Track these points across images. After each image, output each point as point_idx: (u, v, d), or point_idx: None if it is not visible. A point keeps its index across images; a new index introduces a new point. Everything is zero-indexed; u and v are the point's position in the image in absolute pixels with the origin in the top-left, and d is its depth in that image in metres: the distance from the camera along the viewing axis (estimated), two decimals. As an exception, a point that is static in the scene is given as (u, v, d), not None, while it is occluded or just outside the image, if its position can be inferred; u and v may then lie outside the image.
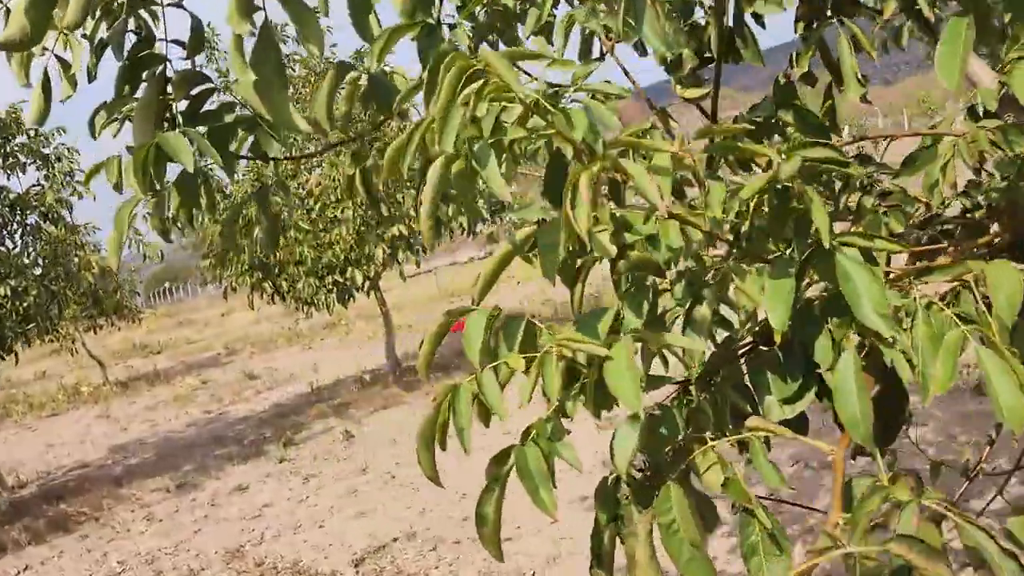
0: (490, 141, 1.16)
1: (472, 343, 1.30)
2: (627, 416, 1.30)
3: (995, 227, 1.99)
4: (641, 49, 2.32)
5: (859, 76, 2.00)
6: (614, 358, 1.17)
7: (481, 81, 1.18)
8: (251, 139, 1.77)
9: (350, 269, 9.48)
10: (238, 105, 1.70)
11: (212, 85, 1.66)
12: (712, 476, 1.32)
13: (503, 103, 1.25)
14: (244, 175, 9.34)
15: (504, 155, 1.20)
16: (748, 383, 1.52)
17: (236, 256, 9.24)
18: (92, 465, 9.77)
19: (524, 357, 1.28)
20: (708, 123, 1.92)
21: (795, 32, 2.31)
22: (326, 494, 6.95)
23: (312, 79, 9.69)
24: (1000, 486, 2.08)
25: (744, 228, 1.39)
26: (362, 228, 9.42)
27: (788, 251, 1.36)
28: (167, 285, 41.89)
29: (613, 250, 1.33)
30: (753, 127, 1.71)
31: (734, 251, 1.42)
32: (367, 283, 9.81)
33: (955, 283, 1.39)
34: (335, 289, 9.58)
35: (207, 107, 1.71)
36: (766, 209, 1.32)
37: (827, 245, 1.26)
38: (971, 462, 1.89)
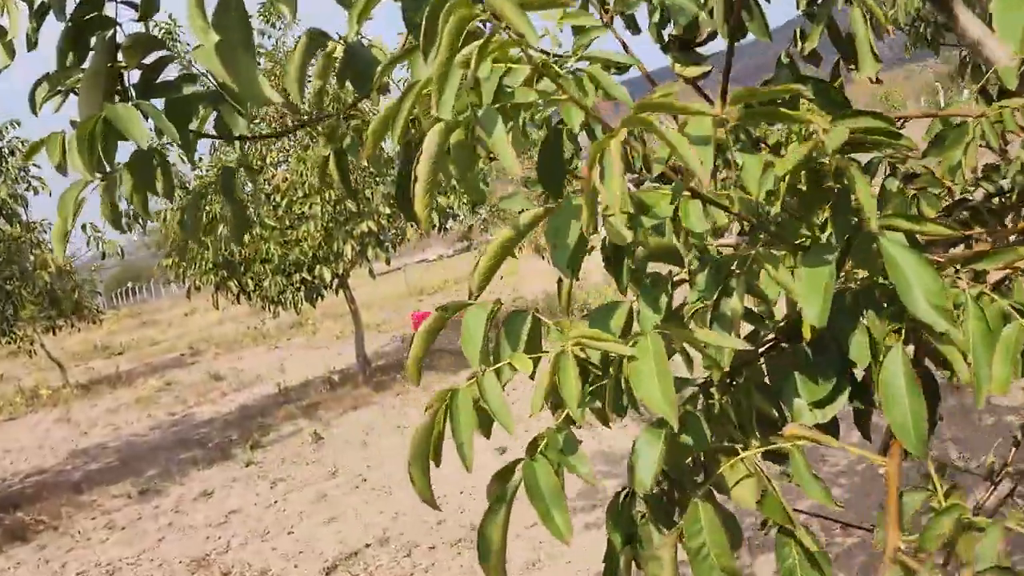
0: (495, 106, 1.00)
1: (471, 342, 1.13)
2: (649, 424, 1.14)
3: None
4: (634, 26, 2.17)
5: (875, 50, 1.86)
6: (639, 358, 1.01)
7: (482, 40, 1.02)
8: (215, 116, 1.59)
9: (318, 267, 9.24)
10: (200, 76, 1.51)
11: (169, 53, 1.47)
12: (743, 491, 1.17)
13: (507, 64, 1.08)
14: (208, 170, 9.07)
15: (511, 124, 1.04)
16: (771, 384, 1.38)
17: (200, 254, 8.95)
18: (51, 471, 9.42)
19: (531, 358, 1.11)
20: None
21: (798, 7, 2.17)
22: (295, 499, 6.73)
23: (278, 72, 9.42)
24: (992, 486, 1.95)
25: (774, 210, 1.24)
26: (330, 224, 9.18)
27: (826, 236, 1.21)
28: (129, 285, 41.07)
29: (629, 235, 1.17)
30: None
31: (761, 236, 1.27)
32: (336, 281, 9.57)
33: (1007, 271, 1.25)
34: (303, 287, 9.33)
35: (164, 78, 1.52)
36: (803, 187, 1.16)
37: (874, 227, 1.11)
38: (996, 465, 1.77)
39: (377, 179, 9.22)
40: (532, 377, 1.13)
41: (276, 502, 6.73)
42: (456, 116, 1.02)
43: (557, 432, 1.10)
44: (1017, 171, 1.89)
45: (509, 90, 1.08)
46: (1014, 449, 1.74)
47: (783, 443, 1.14)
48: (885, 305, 1.28)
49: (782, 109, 1.00)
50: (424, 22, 0.93)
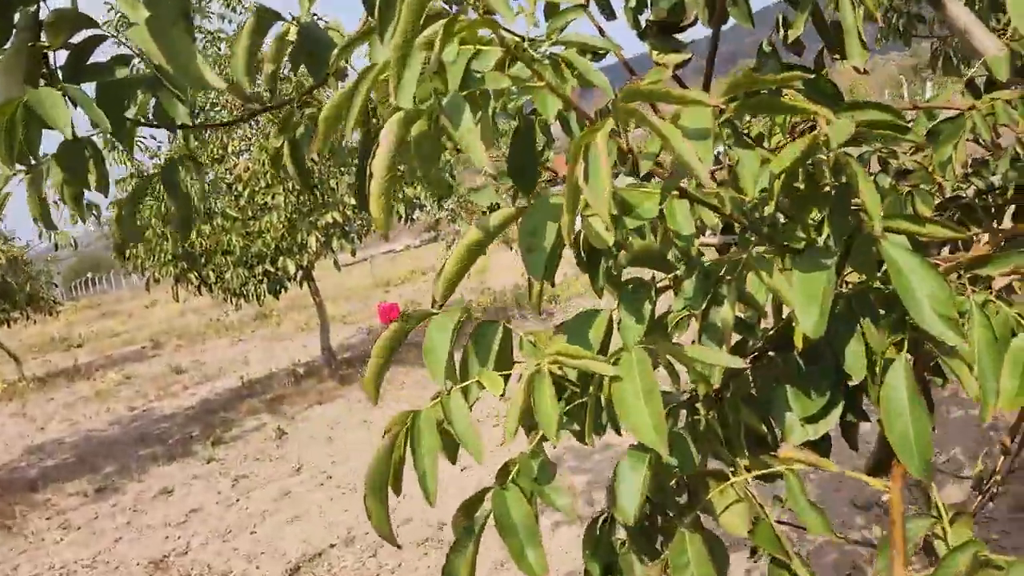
0: (463, 94, 0.88)
1: (435, 357, 1.02)
2: (631, 446, 1.03)
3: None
4: (609, 10, 2.05)
5: (863, 39, 1.77)
6: (623, 377, 0.90)
7: (448, 18, 0.90)
8: (154, 102, 1.45)
9: (282, 258, 9.03)
10: (135, 58, 1.37)
11: (100, 31, 1.33)
12: (733, 518, 1.07)
13: (476, 46, 0.96)
14: (167, 159, 8.80)
15: (479, 113, 0.92)
16: (759, 397, 1.28)
17: (159, 245, 8.70)
18: (4, 468, 9.12)
19: (503, 375, 1.00)
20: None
21: (780, -6, 2.07)
22: (257, 497, 6.56)
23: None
24: (981, 496, 1.89)
25: (768, 210, 1.13)
26: (294, 215, 8.96)
27: (823, 238, 1.11)
28: (89, 275, 40.21)
29: (611, 238, 1.06)
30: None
31: (752, 238, 1.17)
32: (300, 273, 9.37)
33: (1012, 276, 1.16)
34: (266, 279, 9.11)
35: (96, 60, 1.38)
36: (800, 185, 1.06)
37: (877, 229, 1.01)
38: (985, 472, 1.70)
39: (342, 169, 9.03)
40: (503, 395, 1.02)
41: (238, 500, 6.56)
42: (418, 105, 0.91)
43: (531, 458, 0.99)
44: (1008, 166, 1.81)
45: (478, 75, 0.97)
46: (1002, 458, 1.67)
47: (777, 466, 1.04)
48: (882, 312, 1.19)
49: (785, 100, 0.89)
50: (379, 3, 0.81)
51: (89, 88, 1.36)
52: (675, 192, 1.03)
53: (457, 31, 0.91)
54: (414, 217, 10.27)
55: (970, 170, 1.79)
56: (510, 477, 1.00)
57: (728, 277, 1.11)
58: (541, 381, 0.90)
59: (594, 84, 1.19)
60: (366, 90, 0.93)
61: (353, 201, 9.19)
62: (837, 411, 1.21)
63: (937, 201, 1.64)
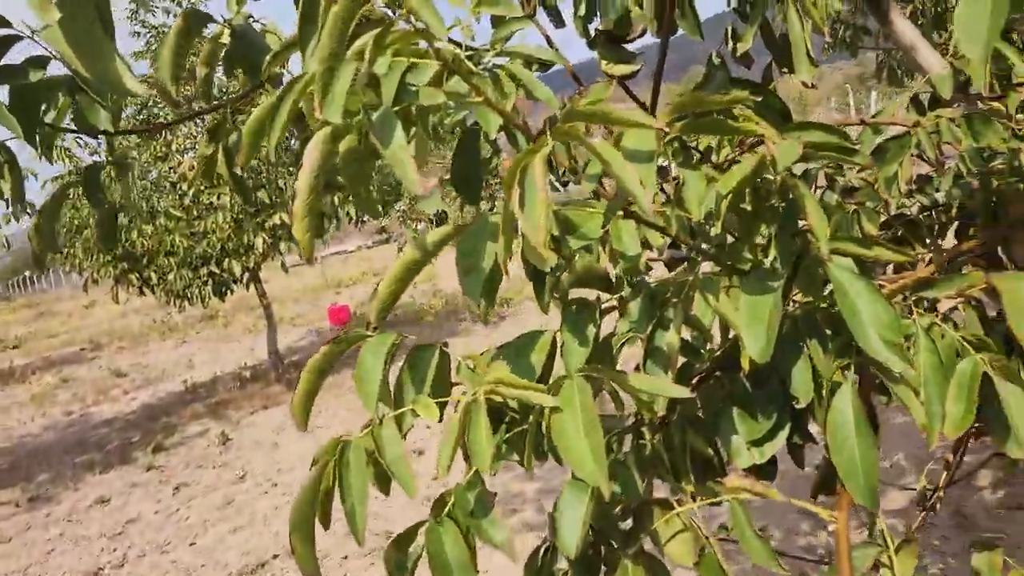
0: (395, 109, 0.83)
1: (367, 383, 0.96)
2: (572, 477, 0.99)
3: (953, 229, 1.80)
4: (557, 18, 2.02)
5: (811, 52, 1.76)
6: (563, 409, 0.86)
7: (380, 28, 0.85)
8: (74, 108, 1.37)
9: (227, 260, 8.83)
10: (52, 60, 1.29)
11: (14, 31, 1.24)
12: (679, 547, 1.04)
13: (411, 59, 0.92)
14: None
15: (413, 129, 0.87)
16: (705, 420, 1.25)
17: (98, 245, 8.44)
18: (-69, 477, 8.76)
19: (438, 403, 0.95)
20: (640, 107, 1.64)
21: (728, 5, 2.06)
22: (199, 505, 6.39)
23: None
24: (924, 511, 1.90)
25: (714, 231, 1.11)
26: (241, 216, 8.78)
27: (769, 260, 1.09)
28: (27, 274, 38.99)
29: (553, 260, 1.02)
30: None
31: (698, 259, 1.14)
32: (246, 275, 9.18)
33: (958, 299, 1.16)
34: (211, 281, 8.91)
35: (9, 62, 1.30)
36: (747, 206, 1.03)
37: (824, 251, 0.98)
38: (927, 488, 1.70)
39: (291, 169, 8.87)
40: (440, 420, 0.97)
41: (178, 509, 6.38)
42: (347, 120, 0.85)
43: (467, 490, 0.94)
44: (951, 184, 1.82)
45: (413, 89, 0.92)
46: (945, 473, 1.67)
47: (723, 495, 1.01)
48: (828, 332, 1.17)
49: (730, 121, 0.86)
50: (301, 3, 0.75)
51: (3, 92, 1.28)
52: (619, 212, 0.99)
53: (390, 43, 0.86)
54: (364, 219, 10.14)
55: (914, 187, 1.80)
56: (445, 510, 0.95)
57: (675, 300, 1.07)
58: (477, 412, 0.85)
59: (538, 98, 1.15)
60: (292, 102, 0.87)
61: (301, 202, 9.04)
62: (783, 433, 1.19)
63: (883, 219, 1.64)
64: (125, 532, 6.13)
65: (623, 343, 1.17)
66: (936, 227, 1.69)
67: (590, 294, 1.18)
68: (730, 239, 1.12)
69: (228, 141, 1.49)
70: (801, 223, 1.09)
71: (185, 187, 8.83)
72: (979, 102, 1.84)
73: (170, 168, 9.02)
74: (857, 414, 1.02)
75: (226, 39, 1.52)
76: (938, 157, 1.71)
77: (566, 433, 0.84)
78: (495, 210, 1.01)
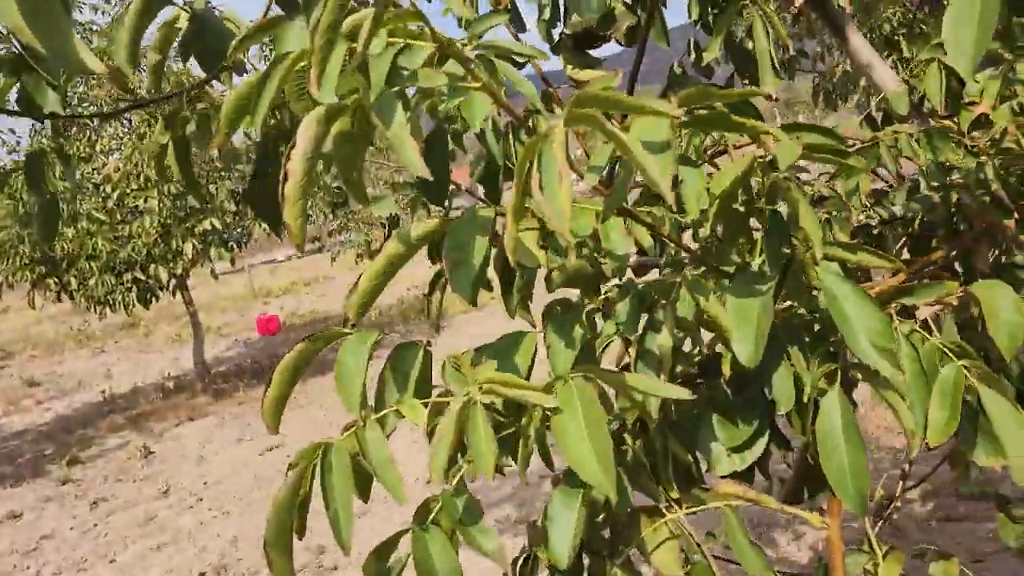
0: (393, 90, 0.78)
1: (349, 383, 0.91)
2: (563, 484, 0.95)
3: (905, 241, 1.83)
4: (519, 22, 1.99)
5: (776, 65, 1.78)
6: (563, 410, 0.82)
7: (376, 7, 0.80)
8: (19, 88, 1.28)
9: (153, 266, 8.52)
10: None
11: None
12: (666, 555, 1.01)
13: (405, 40, 0.87)
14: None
15: (408, 113, 0.82)
16: (685, 426, 1.23)
17: (14, 247, 8.04)
18: None
19: (425, 403, 0.90)
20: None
21: (689, 16, 2.07)
22: (119, 521, 6.10)
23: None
24: (882, 520, 1.91)
25: (703, 232, 1.09)
26: (168, 221, 8.49)
27: (757, 263, 1.07)
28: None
29: (543, 258, 0.99)
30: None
31: (685, 260, 1.12)
32: (173, 281, 8.87)
33: (937, 307, 1.16)
34: (135, 287, 8.58)
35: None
36: (742, 208, 1.02)
37: (819, 255, 0.97)
38: (884, 497, 1.71)
39: (223, 172, 8.63)
40: (428, 427, 0.92)
41: (96, 525, 6.08)
42: (339, 101, 0.80)
43: (455, 496, 0.89)
44: (904, 198, 1.86)
45: (406, 72, 0.87)
46: (901, 483, 1.69)
47: (714, 502, 0.99)
48: (807, 340, 1.16)
49: (736, 118, 0.84)
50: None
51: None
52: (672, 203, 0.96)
53: (385, 23, 0.82)
54: (283, 232, 9.90)
55: (871, 200, 1.83)
56: (430, 518, 0.90)
57: (663, 301, 1.05)
58: (475, 413, 0.80)
59: (521, 92, 1.12)
60: (279, 79, 0.82)
61: (234, 207, 8.81)
62: (763, 440, 1.18)
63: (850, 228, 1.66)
64: (39, 548, 5.81)
65: (606, 345, 1.14)
66: (893, 239, 1.72)
67: (569, 293, 1.14)
68: (717, 241, 1.10)
69: (184, 131, 1.41)
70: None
71: (109, 190, 8.50)
72: (930, 120, 1.88)
73: (93, 169, 8.67)
74: (846, 421, 1.01)
75: (183, 24, 1.44)
76: (899, 171, 1.74)
77: (568, 435, 0.80)
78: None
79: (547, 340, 1.04)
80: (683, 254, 1.10)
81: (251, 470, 6.76)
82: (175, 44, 1.47)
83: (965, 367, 1.04)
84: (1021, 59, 1.70)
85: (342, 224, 11.62)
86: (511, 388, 0.82)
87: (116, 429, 8.84)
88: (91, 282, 8.22)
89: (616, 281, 1.13)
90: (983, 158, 1.48)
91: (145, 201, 8.29)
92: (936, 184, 1.68)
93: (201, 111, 1.42)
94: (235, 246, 9.18)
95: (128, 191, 8.40)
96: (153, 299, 8.90)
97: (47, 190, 1.41)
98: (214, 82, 1.56)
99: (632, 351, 1.01)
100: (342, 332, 0.97)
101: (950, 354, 1.07)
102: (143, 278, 8.59)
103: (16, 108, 1.29)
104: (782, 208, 1.08)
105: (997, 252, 1.55)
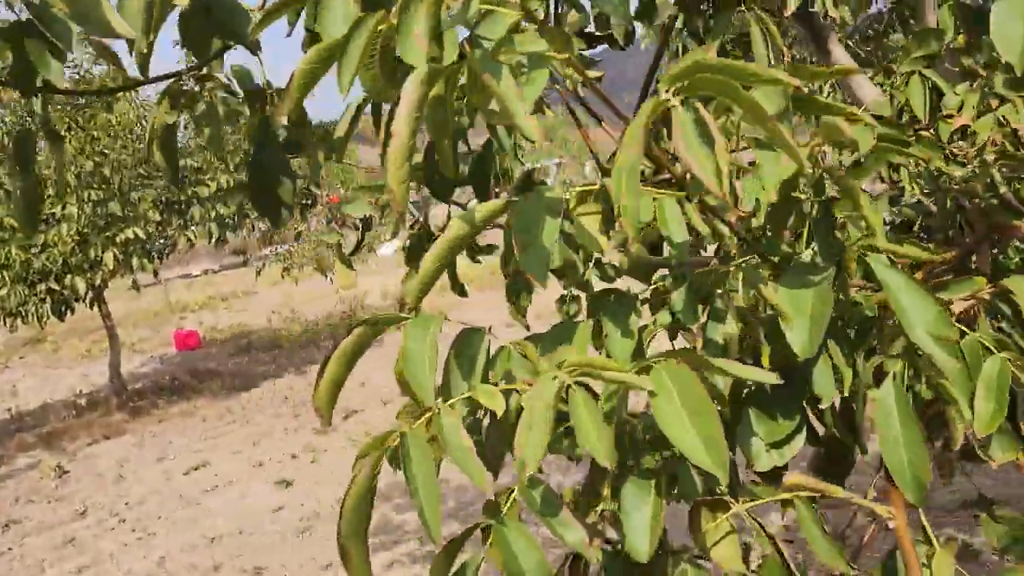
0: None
1: (419, 369, 0.86)
2: (637, 476, 0.92)
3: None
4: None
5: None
6: (659, 394, 0.79)
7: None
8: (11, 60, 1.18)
9: (70, 276, 8.12)
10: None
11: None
12: (727, 550, 0.98)
13: (485, 6, 0.83)
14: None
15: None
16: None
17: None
18: None
19: (503, 390, 0.86)
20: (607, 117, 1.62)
21: (679, 21, 2.09)
22: (34, 544, 5.74)
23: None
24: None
25: (755, 222, 1.08)
26: (87, 229, 8.11)
27: (809, 254, 1.07)
28: None
29: (607, 244, 0.96)
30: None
31: (734, 251, 1.11)
32: (91, 293, 8.47)
33: (971, 302, 1.18)
34: (49, 299, 8.14)
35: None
36: (800, 195, 1.01)
37: (882, 245, 0.98)
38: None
39: (147, 180, 8.32)
40: (496, 415, 0.87)
41: (10, 549, 5.70)
42: (434, 63, 0.76)
43: (531, 487, 0.85)
44: (887, 205, 1.91)
45: (485, 43, 0.83)
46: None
47: (783, 494, 0.97)
48: (850, 335, 1.17)
49: (835, 103, 0.83)
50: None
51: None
52: (682, 194, 0.94)
53: (473, -14, 0.78)
54: (224, 239, 9.62)
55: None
56: (504, 511, 0.85)
57: (719, 291, 1.03)
58: (577, 399, 0.76)
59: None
60: (365, 40, 0.77)
61: (158, 217, 8.49)
62: (802, 436, 1.17)
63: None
64: (-57, 577, 5.41)
65: (653, 336, 1.11)
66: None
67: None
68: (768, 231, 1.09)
69: (192, 110, 1.33)
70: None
71: (23, 195, 8.07)
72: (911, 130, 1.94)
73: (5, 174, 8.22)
74: (903, 408, 1.02)
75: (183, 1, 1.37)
76: (891, 176, 1.78)
77: (669, 419, 0.76)
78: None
79: (605, 329, 1.01)
80: (730, 244, 1.08)
81: (175, 489, 6.48)
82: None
83: (1012, 360, 1.05)
84: (996, 73, 1.77)
85: (266, 236, 11.33)
86: (607, 371, 0.78)
87: (25, 448, 8.34)
88: (2, 292, 7.77)
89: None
90: (986, 162, 1.52)
91: (63, 208, 7.91)
92: (928, 190, 1.72)
93: (211, 89, 1.34)
94: (159, 256, 8.84)
95: (45, 197, 7.98)
96: (69, 311, 8.47)
97: (34, 172, 1.30)
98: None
99: (697, 341, 0.99)
100: (400, 316, 0.91)
101: (993, 347, 1.09)
102: (58, 289, 8.17)
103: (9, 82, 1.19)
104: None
105: (996, 252, 1.60)
